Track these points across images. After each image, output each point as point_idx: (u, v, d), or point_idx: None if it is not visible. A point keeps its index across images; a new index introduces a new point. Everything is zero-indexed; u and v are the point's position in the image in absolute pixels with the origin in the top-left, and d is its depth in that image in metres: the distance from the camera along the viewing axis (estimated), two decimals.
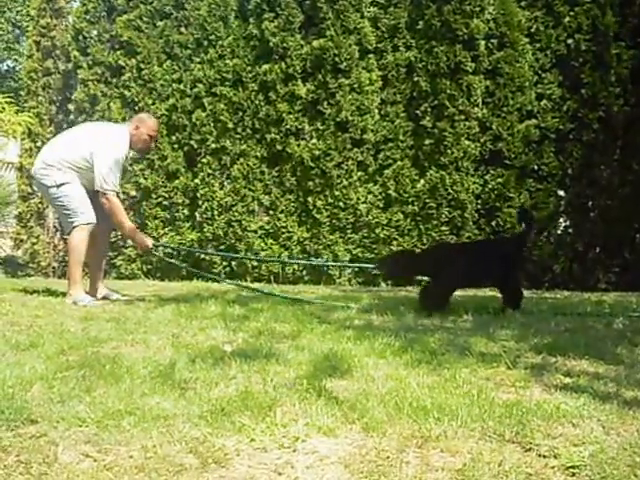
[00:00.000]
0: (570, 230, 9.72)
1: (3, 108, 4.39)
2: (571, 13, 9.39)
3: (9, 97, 4.66)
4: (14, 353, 3.76)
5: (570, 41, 9.38)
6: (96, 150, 6.41)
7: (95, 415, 2.59)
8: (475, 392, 2.93)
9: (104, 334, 4.39)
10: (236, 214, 9.80)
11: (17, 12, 21.31)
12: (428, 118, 9.41)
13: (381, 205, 9.60)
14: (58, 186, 6.39)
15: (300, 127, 9.68)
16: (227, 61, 9.93)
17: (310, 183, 9.54)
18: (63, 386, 3.01)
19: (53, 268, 11.11)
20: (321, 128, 9.58)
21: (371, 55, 9.64)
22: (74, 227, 6.41)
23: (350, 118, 9.41)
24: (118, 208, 6.53)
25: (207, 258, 9.90)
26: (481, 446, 2.34)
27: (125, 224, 6.67)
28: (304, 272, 9.68)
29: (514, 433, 2.44)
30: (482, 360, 3.59)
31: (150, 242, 6.83)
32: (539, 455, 2.28)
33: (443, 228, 9.34)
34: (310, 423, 2.56)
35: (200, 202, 10.06)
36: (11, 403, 2.71)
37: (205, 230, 9.99)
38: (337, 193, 9.47)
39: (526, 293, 8.15)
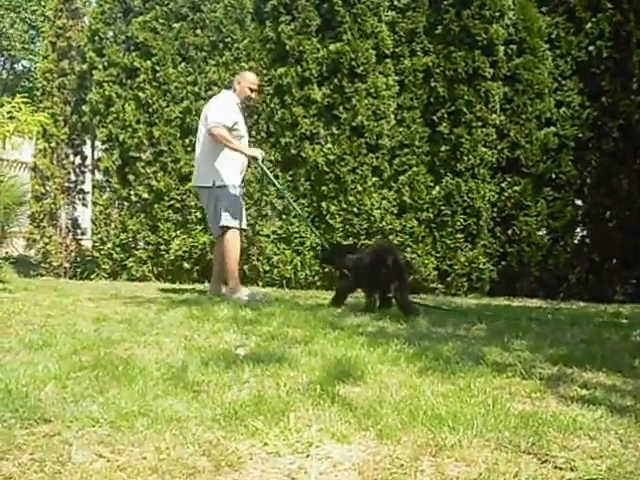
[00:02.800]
0: (587, 240, 9.63)
1: (20, 108, 4.36)
2: (593, 19, 9.31)
3: (25, 97, 4.64)
4: (27, 352, 3.81)
5: (591, 48, 9.31)
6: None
7: (108, 416, 2.60)
8: (490, 402, 2.90)
9: (116, 335, 4.42)
10: (249, 218, 9.72)
11: (32, 12, 21.37)
12: (445, 124, 9.33)
13: (395, 211, 9.53)
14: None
15: (315, 131, 9.63)
16: (243, 64, 9.88)
17: (324, 188, 9.46)
18: (76, 386, 3.04)
19: (65, 268, 11.10)
20: (336, 133, 9.51)
21: (388, 60, 9.57)
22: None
23: (366, 123, 9.34)
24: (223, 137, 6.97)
25: None
26: (497, 456, 2.31)
27: (234, 145, 7.09)
28: (316, 277, 9.61)
29: (530, 444, 2.40)
30: (496, 369, 3.57)
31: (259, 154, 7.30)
32: (555, 467, 2.24)
33: (458, 236, 9.26)
34: (324, 429, 2.54)
35: None
36: (25, 402, 2.73)
37: None
38: (351, 198, 9.39)
39: (541, 303, 8.22)
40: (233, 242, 7.10)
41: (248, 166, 7.71)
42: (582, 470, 2.20)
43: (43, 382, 3.06)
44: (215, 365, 3.49)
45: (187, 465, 2.19)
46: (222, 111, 7.06)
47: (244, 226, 7.38)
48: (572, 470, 2.21)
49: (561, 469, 2.23)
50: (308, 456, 2.31)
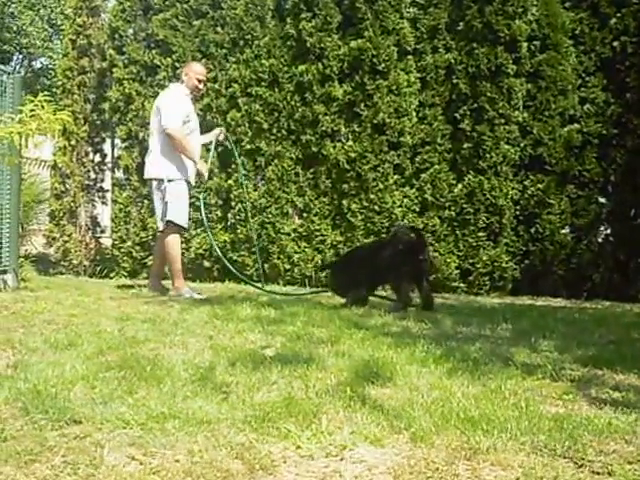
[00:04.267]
0: (611, 238, 9.50)
1: (42, 106, 4.34)
2: (618, 15, 9.14)
3: (47, 95, 4.63)
4: (53, 352, 3.86)
5: (616, 43, 9.13)
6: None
7: (139, 417, 2.61)
8: (523, 404, 2.90)
9: (141, 335, 4.46)
10: (269, 216, 9.70)
11: (51, 10, 21.41)
12: (467, 121, 9.24)
13: (417, 209, 9.46)
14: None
15: (336, 129, 9.55)
16: (263, 61, 9.81)
17: (345, 186, 9.40)
18: (105, 387, 3.06)
19: (84, 266, 11.08)
20: (357, 130, 9.43)
21: (410, 56, 9.50)
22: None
23: (387, 120, 9.27)
24: (179, 143, 7.33)
25: (239, 260, 9.80)
26: (533, 460, 2.29)
27: (188, 153, 7.44)
28: None
29: (565, 448, 2.39)
30: (526, 371, 3.58)
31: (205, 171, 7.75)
32: (592, 472, 2.23)
33: (480, 234, 9.17)
34: (356, 431, 2.53)
35: (233, 203, 9.96)
36: (54, 403, 2.75)
37: (238, 232, 9.88)
38: (372, 196, 9.32)
39: (565, 302, 8.15)
40: (172, 242, 7.44)
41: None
42: (620, 475, 2.18)
43: (71, 383, 3.06)
44: (242, 366, 3.50)
45: (221, 468, 2.18)
46: (175, 110, 7.32)
47: (186, 224, 7.69)
48: (609, 475, 2.19)
49: (598, 474, 2.20)
50: (342, 459, 2.30)
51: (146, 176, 7.66)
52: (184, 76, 7.64)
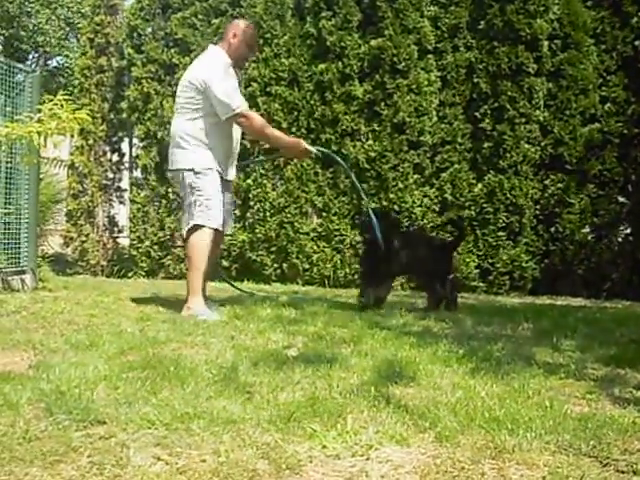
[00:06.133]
0: (631, 238, 9.43)
1: (62, 105, 4.33)
2: (639, 13, 9.09)
3: (67, 94, 4.61)
4: (75, 352, 3.83)
5: (637, 42, 9.10)
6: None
7: (163, 417, 2.61)
8: (547, 403, 2.91)
9: (162, 335, 4.44)
10: (288, 215, 9.68)
11: (68, 8, 21.51)
12: (487, 120, 9.21)
13: (437, 209, 9.43)
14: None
15: (356, 128, 9.52)
16: (283, 60, 9.80)
17: (365, 185, 9.34)
18: (128, 387, 3.04)
19: (102, 266, 11.12)
20: (377, 129, 9.41)
21: (430, 55, 9.45)
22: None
23: (407, 119, 9.24)
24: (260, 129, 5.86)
25: (258, 259, 9.79)
26: (558, 459, 2.30)
27: (272, 135, 6.00)
28: (356, 276, 9.52)
29: (591, 447, 2.39)
30: (549, 370, 3.58)
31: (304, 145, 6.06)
32: (618, 471, 2.23)
33: (500, 233, 9.13)
34: (381, 431, 2.53)
35: (252, 203, 9.94)
36: (78, 403, 2.74)
37: (257, 231, 9.86)
38: (392, 196, 9.29)
39: (585, 302, 8.12)
40: (199, 246, 5.66)
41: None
42: None
43: (94, 383, 3.06)
44: (265, 366, 3.49)
45: (247, 468, 2.17)
46: (233, 84, 5.71)
47: (219, 227, 5.76)
48: (635, 474, 2.20)
49: (624, 472, 2.21)
50: (368, 459, 2.30)
51: (171, 167, 5.94)
52: (231, 38, 5.82)
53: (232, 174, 6.14)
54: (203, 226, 5.61)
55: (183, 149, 5.77)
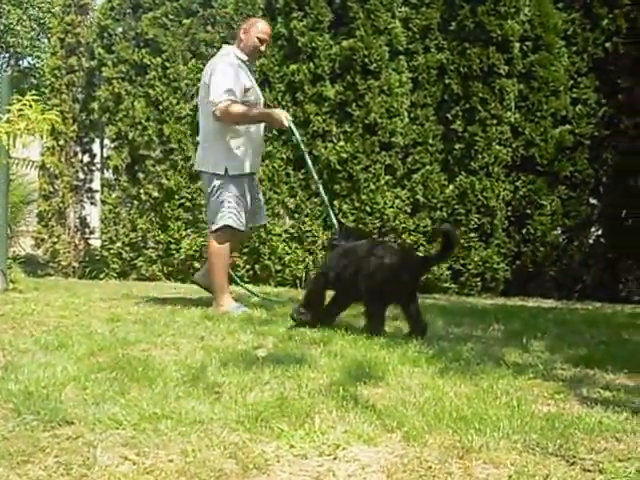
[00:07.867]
0: (602, 240, 9.52)
1: (30, 106, 4.33)
2: (609, 15, 9.17)
3: (35, 94, 4.61)
4: (44, 353, 3.83)
5: (608, 44, 9.16)
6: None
7: (131, 418, 2.61)
8: (514, 403, 2.95)
9: (132, 336, 4.43)
10: None
11: (39, 9, 21.36)
12: (459, 122, 9.23)
13: (409, 210, 9.43)
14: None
15: (327, 129, 9.50)
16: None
17: (336, 186, 9.35)
18: (96, 387, 3.05)
19: (73, 268, 11.02)
20: (349, 130, 9.40)
21: (402, 56, 9.46)
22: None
23: (379, 121, 9.24)
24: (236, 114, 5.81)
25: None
26: (525, 458, 2.33)
27: (250, 114, 5.94)
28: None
29: (557, 446, 2.43)
30: (517, 371, 3.62)
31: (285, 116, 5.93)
32: (584, 469, 2.26)
33: (472, 235, 9.16)
34: (349, 430, 2.55)
35: None
36: (46, 404, 2.76)
37: None
38: (364, 197, 9.29)
39: (556, 303, 8.17)
40: (219, 249, 5.90)
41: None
42: (610, 472, 2.22)
43: (63, 384, 3.06)
44: (235, 366, 3.50)
45: (214, 468, 2.18)
46: (225, 80, 5.81)
47: (242, 227, 5.96)
48: (600, 472, 2.23)
49: (589, 471, 2.24)
50: (335, 458, 2.32)
51: (196, 167, 6.36)
52: (242, 34, 6.12)
53: (257, 164, 6.52)
54: (228, 226, 5.84)
55: (209, 150, 6.07)
